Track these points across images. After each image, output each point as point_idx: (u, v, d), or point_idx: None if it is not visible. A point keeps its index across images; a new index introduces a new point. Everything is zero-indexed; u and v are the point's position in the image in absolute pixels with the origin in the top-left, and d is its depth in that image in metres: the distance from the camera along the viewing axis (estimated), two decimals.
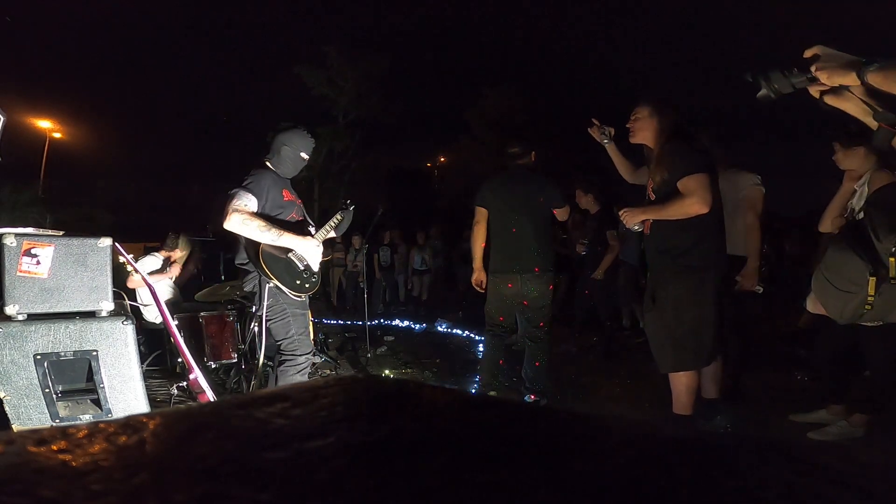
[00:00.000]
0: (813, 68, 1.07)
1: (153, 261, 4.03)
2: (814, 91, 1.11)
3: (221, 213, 2.31)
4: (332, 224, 2.67)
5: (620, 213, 2.42)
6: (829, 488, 0.22)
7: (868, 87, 1.01)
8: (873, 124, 1.07)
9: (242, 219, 2.28)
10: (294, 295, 2.44)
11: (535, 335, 3.06)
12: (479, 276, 3.09)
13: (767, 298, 2.99)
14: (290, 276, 2.44)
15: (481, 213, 3.06)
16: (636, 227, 2.40)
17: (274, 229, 2.34)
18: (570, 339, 4.89)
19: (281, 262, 2.42)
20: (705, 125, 3.13)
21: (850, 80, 1.02)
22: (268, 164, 2.53)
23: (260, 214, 2.37)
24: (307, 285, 2.51)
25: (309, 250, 2.50)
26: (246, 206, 2.33)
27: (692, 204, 2.11)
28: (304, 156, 2.56)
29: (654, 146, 2.33)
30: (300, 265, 2.50)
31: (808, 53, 1.09)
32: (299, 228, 2.52)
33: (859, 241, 1.67)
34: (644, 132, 2.34)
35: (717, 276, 2.27)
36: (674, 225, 2.22)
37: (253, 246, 2.38)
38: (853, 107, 1.07)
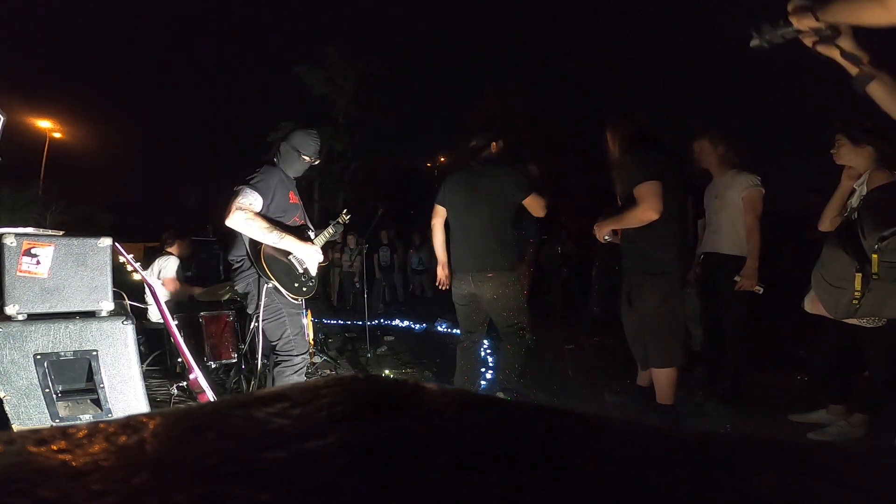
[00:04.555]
0: (794, 19, 1.23)
1: (172, 260, 4.03)
2: (806, 41, 1.24)
3: (224, 209, 2.29)
4: (327, 234, 2.70)
5: (594, 227, 2.62)
6: (829, 488, 0.22)
7: (826, 24, 1.17)
8: (853, 70, 1.22)
9: (245, 217, 2.27)
10: (291, 297, 2.43)
11: (505, 334, 2.85)
12: (441, 271, 2.97)
13: (767, 298, 2.99)
14: (289, 278, 2.44)
15: (437, 211, 2.93)
16: (607, 238, 2.57)
17: (276, 231, 2.32)
18: (570, 339, 4.89)
19: (281, 263, 2.42)
20: (708, 128, 3.13)
21: (810, 20, 1.18)
22: (275, 161, 2.53)
23: (263, 215, 2.35)
24: (304, 289, 2.50)
25: (308, 255, 2.50)
26: (250, 204, 2.31)
27: (644, 211, 2.28)
28: (305, 157, 2.54)
29: (616, 159, 2.55)
30: (299, 268, 2.50)
31: (790, 7, 1.23)
32: (300, 233, 2.51)
33: (849, 238, 1.69)
34: (612, 148, 2.56)
35: (682, 276, 2.49)
36: (637, 232, 2.39)
37: (254, 245, 2.37)
38: (839, 55, 1.21)
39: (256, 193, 2.33)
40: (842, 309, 1.70)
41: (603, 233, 2.54)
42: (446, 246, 2.98)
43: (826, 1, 1.16)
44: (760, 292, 2.85)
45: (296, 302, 2.48)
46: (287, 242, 2.37)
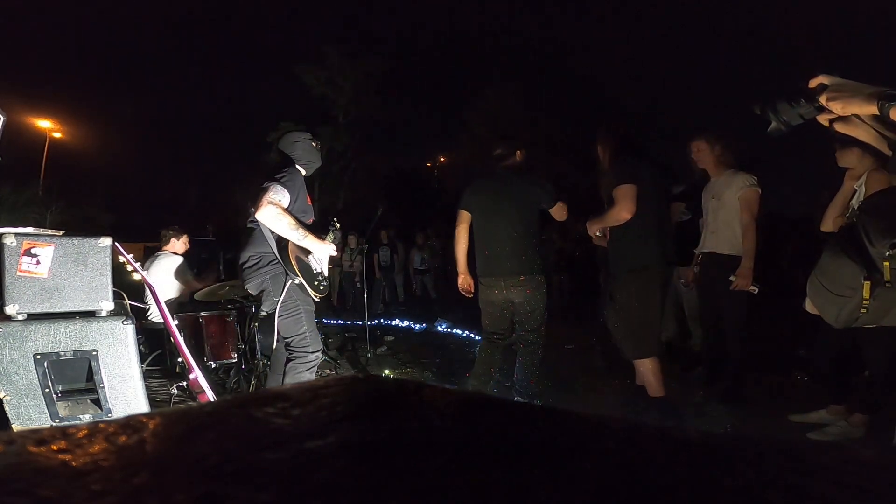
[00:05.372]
0: (823, 98, 1.05)
1: (175, 260, 4.04)
2: (822, 120, 1.09)
3: (254, 204, 2.34)
4: (330, 240, 2.73)
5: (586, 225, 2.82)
6: (829, 488, 0.22)
7: (889, 121, 0.97)
8: (887, 150, 1.05)
9: (277, 212, 2.32)
10: (314, 295, 2.49)
11: (524, 339, 2.94)
12: (463, 280, 2.99)
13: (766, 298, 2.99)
14: (310, 276, 2.48)
15: (463, 216, 2.95)
16: (598, 234, 2.75)
17: (301, 229, 2.39)
18: (570, 339, 4.89)
19: (303, 261, 2.47)
20: (705, 128, 3.15)
21: (870, 111, 0.99)
22: (297, 165, 2.59)
23: (290, 212, 2.41)
24: (321, 287, 2.55)
25: (325, 254, 2.57)
26: (280, 200, 2.36)
27: (619, 211, 2.46)
28: (314, 143, 2.65)
29: (604, 166, 2.70)
30: (317, 268, 2.55)
31: (813, 83, 1.07)
32: (316, 233, 2.56)
33: (853, 245, 1.66)
34: (601, 158, 2.72)
35: (663, 273, 2.60)
36: (618, 231, 2.56)
37: (281, 241, 2.42)
38: (864, 133, 1.05)
39: (285, 190, 2.39)
40: (843, 317, 1.68)
41: (592, 230, 2.74)
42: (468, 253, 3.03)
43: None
44: (755, 292, 2.85)
45: (315, 300, 2.53)
46: (309, 241, 2.42)
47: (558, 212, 2.92)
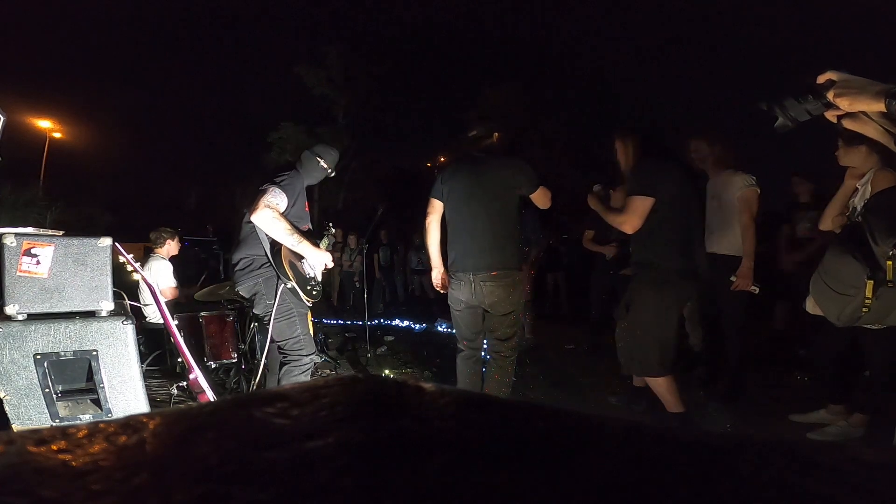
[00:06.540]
0: (830, 94, 1.05)
1: (165, 265, 4.03)
2: (830, 116, 1.09)
3: (251, 205, 2.32)
4: (324, 245, 2.75)
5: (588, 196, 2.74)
6: (829, 488, 0.22)
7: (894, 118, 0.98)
8: (894, 147, 1.05)
9: (273, 216, 2.30)
10: (306, 300, 2.48)
11: (495, 347, 2.61)
12: (437, 275, 2.69)
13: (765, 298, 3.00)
14: (303, 281, 2.48)
15: (434, 205, 2.66)
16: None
17: (296, 234, 2.37)
18: (570, 339, 4.89)
19: (296, 266, 2.46)
20: (706, 127, 3.14)
21: (878, 109, 0.99)
22: (297, 169, 2.58)
23: (286, 217, 2.39)
24: (314, 292, 2.55)
25: (319, 261, 2.56)
26: (277, 204, 2.34)
27: (623, 221, 2.32)
28: (324, 165, 2.63)
29: (626, 168, 2.45)
30: (309, 273, 2.55)
31: (821, 79, 1.07)
32: (312, 238, 2.56)
33: (857, 243, 1.66)
34: (622, 160, 2.46)
35: (682, 287, 2.36)
36: (642, 239, 2.36)
37: (274, 246, 2.40)
38: (872, 130, 1.05)
39: (283, 194, 2.37)
40: (846, 316, 1.68)
41: (591, 203, 2.66)
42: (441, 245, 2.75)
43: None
44: (756, 292, 2.85)
45: (308, 304, 2.52)
46: (304, 247, 2.41)
47: (540, 198, 2.63)
